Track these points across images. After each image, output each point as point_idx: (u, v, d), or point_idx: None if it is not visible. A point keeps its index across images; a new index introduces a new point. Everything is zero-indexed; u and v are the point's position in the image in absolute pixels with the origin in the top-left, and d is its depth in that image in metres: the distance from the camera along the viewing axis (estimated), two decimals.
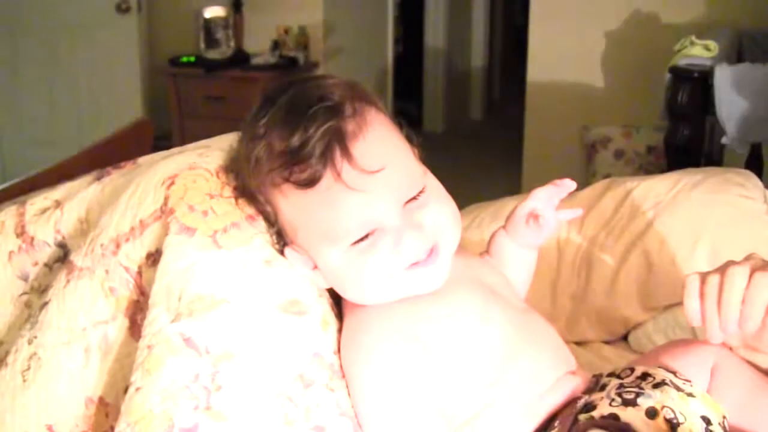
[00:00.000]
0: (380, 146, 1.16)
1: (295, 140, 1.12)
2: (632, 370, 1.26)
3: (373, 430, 1.17)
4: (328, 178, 1.12)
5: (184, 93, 5.32)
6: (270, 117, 1.17)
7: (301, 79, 1.25)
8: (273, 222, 1.23)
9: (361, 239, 1.17)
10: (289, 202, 1.18)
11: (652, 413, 1.15)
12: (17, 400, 1.26)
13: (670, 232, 1.87)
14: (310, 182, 1.13)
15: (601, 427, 1.15)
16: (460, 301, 1.25)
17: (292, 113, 1.15)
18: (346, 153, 1.12)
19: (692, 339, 1.73)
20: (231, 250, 1.18)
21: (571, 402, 1.23)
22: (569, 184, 1.41)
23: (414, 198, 1.19)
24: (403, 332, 1.19)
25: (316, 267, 1.23)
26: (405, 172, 1.18)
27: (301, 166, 1.13)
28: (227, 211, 1.21)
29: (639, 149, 4.40)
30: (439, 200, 1.23)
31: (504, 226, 1.48)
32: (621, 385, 1.22)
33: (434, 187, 1.24)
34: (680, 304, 1.79)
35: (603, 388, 1.23)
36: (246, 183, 1.22)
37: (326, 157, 1.11)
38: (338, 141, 1.12)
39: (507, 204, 2.20)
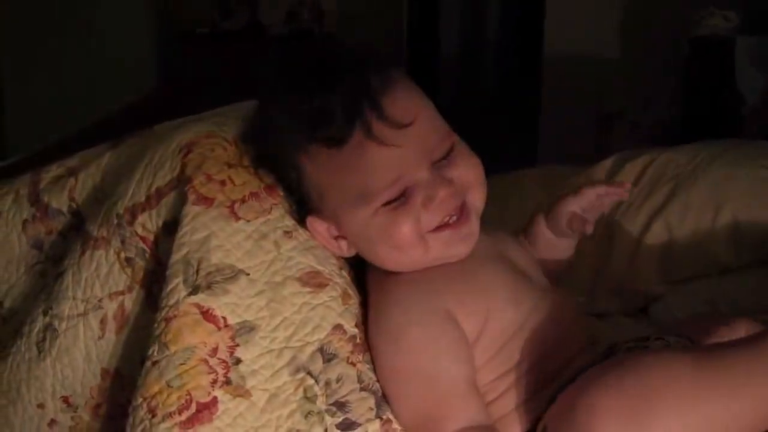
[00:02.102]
0: (408, 100, 1.15)
1: (321, 99, 1.11)
2: (646, 338, 1.24)
3: (406, 414, 1.14)
4: (358, 135, 1.11)
5: (199, 64, 5.31)
6: (290, 79, 1.16)
7: (317, 42, 1.23)
8: (295, 189, 1.21)
9: (394, 200, 1.15)
10: (317, 163, 1.16)
11: None
12: (33, 372, 1.26)
13: (691, 204, 1.85)
14: (340, 140, 1.12)
15: None
16: (492, 280, 1.23)
17: (314, 72, 1.14)
18: (376, 107, 1.10)
19: (716, 314, 1.72)
20: (250, 220, 1.17)
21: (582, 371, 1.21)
22: (623, 191, 1.40)
23: (443, 158, 1.18)
24: (437, 308, 1.17)
25: (340, 236, 1.21)
26: (434, 127, 1.18)
27: (329, 124, 1.11)
28: (246, 181, 1.20)
29: (656, 121, 4.36)
30: (467, 157, 1.22)
31: (545, 213, 1.44)
32: (629, 349, 1.20)
33: (462, 145, 1.23)
34: (701, 276, 1.82)
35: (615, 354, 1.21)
36: (268, 149, 1.21)
37: (355, 113, 1.10)
38: (366, 96, 1.11)
39: (524, 177, 2.19)
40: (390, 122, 1.11)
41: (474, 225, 1.21)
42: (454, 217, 1.19)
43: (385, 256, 1.20)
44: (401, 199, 1.15)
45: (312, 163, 1.17)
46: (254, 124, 1.26)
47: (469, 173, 1.20)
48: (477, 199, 1.22)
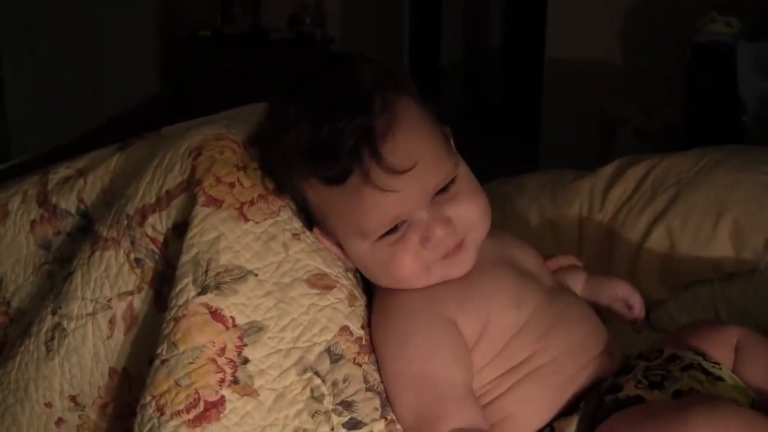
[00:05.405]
0: (410, 143, 1.13)
1: (323, 135, 1.10)
2: (661, 351, 1.25)
3: (405, 414, 1.16)
4: (355, 177, 1.11)
5: (201, 67, 5.33)
6: (299, 104, 1.15)
7: (331, 60, 1.23)
8: (300, 206, 1.23)
9: (389, 232, 1.16)
10: (317, 194, 1.17)
11: (678, 396, 1.14)
12: (41, 371, 1.27)
13: (692, 209, 1.86)
14: (337, 180, 1.12)
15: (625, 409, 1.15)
16: (493, 284, 1.24)
17: (321, 104, 1.12)
18: (375, 153, 1.09)
19: (715, 320, 1.73)
20: (258, 222, 1.17)
21: (598, 383, 1.22)
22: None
23: (444, 189, 1.18)
24: (438, 315, 1.19)
25: (343, 249, 1.23)
26: (435, 166, 1.16)
27: (329, 162, 1.11)
28: (255, 183, 1.20)
29: (658, 128, 4.37)
30: (469, 193, 1.21)
31: (588, 277, 1.49)
32: (648, 368, 1.21)
33: (465, 178, 1.22)
34: (702, 281, 1.82)
35: (630, 369, 1.22)
36: (273, 170, 1.21)
37: (354, 156, 1.09)
38: (367, 140, 1.10)
39: (526, 181, 2.20)
40: (389, 169, 1.10)
41: (472, 254, 1.22)
42: (451, 250, 1.20)
43: (386, 283, 1.22)
44: (398, 233, 1.16)
45: (313, 192, 1.18)
46: (261, 138, 1.25)
47: (470, 212, 1.20)
48: (478, 236, 1.22)
